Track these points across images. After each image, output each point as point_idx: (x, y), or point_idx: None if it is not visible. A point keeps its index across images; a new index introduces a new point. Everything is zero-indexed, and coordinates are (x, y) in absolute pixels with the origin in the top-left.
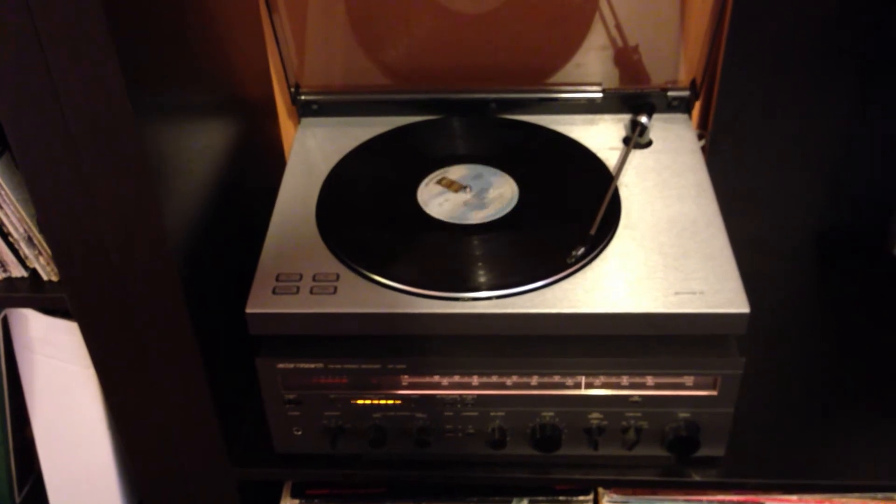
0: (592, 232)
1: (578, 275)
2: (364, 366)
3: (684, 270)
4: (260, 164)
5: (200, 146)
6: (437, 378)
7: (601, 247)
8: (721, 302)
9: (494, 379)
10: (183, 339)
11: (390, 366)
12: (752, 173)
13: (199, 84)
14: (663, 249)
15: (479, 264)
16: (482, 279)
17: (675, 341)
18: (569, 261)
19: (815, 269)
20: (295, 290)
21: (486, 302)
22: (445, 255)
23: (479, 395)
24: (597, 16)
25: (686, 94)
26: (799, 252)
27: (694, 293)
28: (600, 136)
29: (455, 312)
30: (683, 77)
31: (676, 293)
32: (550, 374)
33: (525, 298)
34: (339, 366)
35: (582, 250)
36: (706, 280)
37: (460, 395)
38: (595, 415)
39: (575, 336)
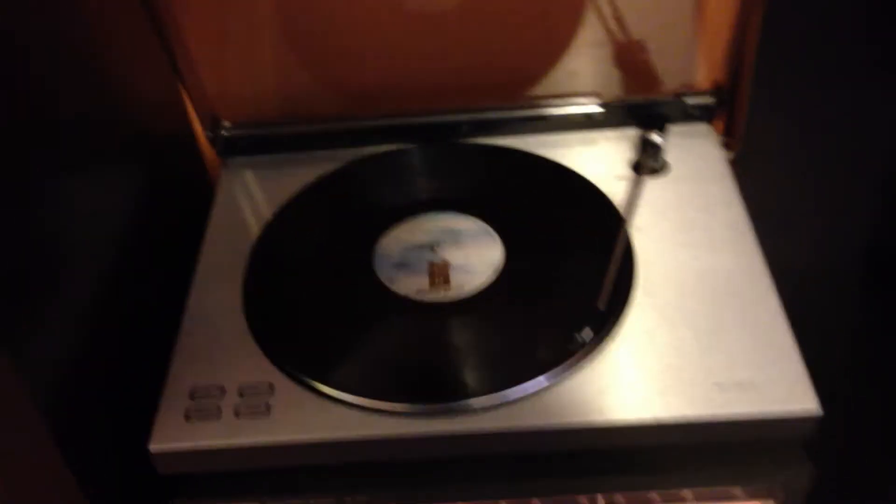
0: (601, 306)
1: (585, 367)
2: (312, 501)
3: (726, 351)
4: (174, 229)
5: (78, 215)
6: None
7: (613, 324)
8: (780, 397)
9: None
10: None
11: (348, 498)
12: (788, 189)
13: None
14: (695, 321)
15: (456, 363)
16: (460, 384)
17: (720, 447)
18: (571, 348)
19: (863, 297)
20: (215, 412)
21: (464, 417)
22: (410, 350)
23: None
24: (589, 7)
25: (708, 100)
26: (844, 278)
27: (742, 385)
28: (602, 160)
29: (425, 434)
30: (703, 78)
31: (718, 386)
32: (557, 496)
33: (516, 408)
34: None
35: (589, 333)
36: (756, 364)
37: None
38: None
39: (586, 451)
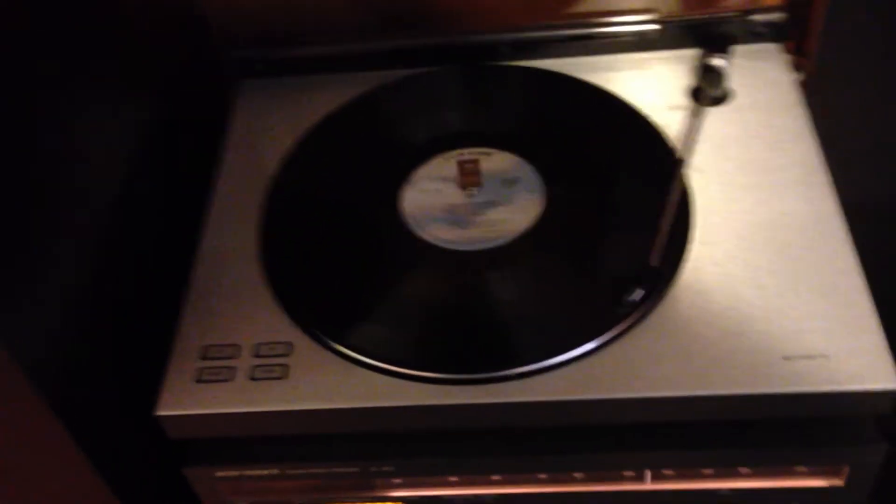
0: (654, 261)
1: (635, 332)
2: (336, 469)
3: (794, 317)
4: (186, 163)
5: (79, 149)
6: (439, 480)
7: (668, 283)
8: (854, 373)
9: (520, 478)
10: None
11: (373, 468)
12: (868, 116)
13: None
14: (760, 280)
15: (491, 325)
16: (496, 349)
17: (783, 421)
18: (620, 310)
19: None
20: (228, 374)
21: (500, 386)
22: (442, 310)
23: (500, 495)
24: None
25: (779, 16)
26: None
27: (812, 358)
28: (657, 87)
29: (457, 403)
30: None
31: (786, 358)
32: (601, 471)
33: (557, 376)
34: (301, 471)
35: (639, 293)
36: (829, 333)
37: (475, 496)
38: None
39: (632, 423)
